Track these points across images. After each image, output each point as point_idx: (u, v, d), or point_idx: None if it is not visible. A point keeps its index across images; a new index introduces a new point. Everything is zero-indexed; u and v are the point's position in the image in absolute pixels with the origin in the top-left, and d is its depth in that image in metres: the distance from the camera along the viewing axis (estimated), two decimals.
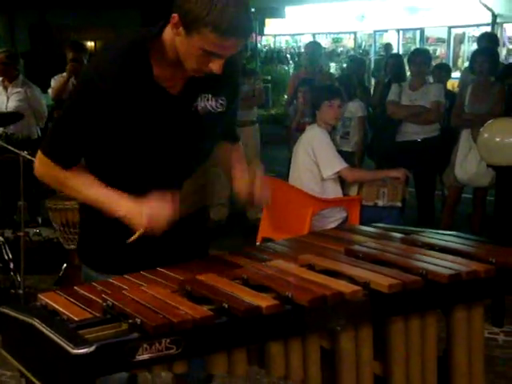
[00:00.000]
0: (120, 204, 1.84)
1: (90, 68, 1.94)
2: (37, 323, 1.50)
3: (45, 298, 1.67)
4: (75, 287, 1.75)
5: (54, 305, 1.63)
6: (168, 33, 1.81)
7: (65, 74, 5.81)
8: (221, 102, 1.95)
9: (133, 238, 1.83)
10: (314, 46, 6.91)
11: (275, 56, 19.53)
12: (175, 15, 1.74)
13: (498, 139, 4.27)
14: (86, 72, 1.94)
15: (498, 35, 13.31)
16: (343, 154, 5.33)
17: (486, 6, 16.03)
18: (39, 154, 1.93)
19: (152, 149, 1.88)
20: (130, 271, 1.85)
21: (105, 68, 1.82)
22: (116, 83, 1.80)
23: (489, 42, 6.08)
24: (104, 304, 1.57)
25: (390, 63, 7.06)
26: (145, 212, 1.81)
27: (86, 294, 1.71)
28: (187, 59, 1.79)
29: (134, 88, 1.82)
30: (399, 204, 4.31)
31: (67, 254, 4.39)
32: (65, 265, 4.45)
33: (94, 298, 1.67)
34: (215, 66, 1.78)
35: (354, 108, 5.73)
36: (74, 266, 4.27)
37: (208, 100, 1.93)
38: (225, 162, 2.12)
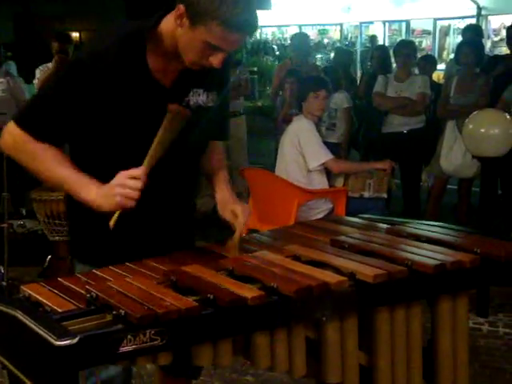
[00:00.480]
0: (89, 188, 1.78)
1: (84, 50, 1.90)
2: (19, 315, 1.48)
3: (28, 290, 1.65)
4: (59, 278, 1.73)
5: (38, 296, 1.62)
6: (167, 23, 1.80)
7: (50, 64, 5.75)
8: (211, 97, 1.95)
9: (112, 221, 1.78)
10: (301, 37, 6.88)
11: (261, 47, 19.48)
12: (180, 6, 1.72)
13: (482, 130, 4.29)
14: (79, 53, 1.90)
15: (483, 27, 13.39)
16: (329, 145, 5.33)
17: None
18: (11, 125, 1.83)
19: (138, 139, 1.84)
20: (117, 263, 1.83)
21: (100, 53, 1.79)
22: (109, 69, 1.78)
23: (473, 34, 6.09)
24: (88, 295, 1.56)
25: (376, 55, 7.06)
26: (113, 191, 1.75)
27: (69, 285, 1.69)
28: (188, 51, 1.78)
29: (126, 76, 1.80)
30: (385, 195, 4.32)
31: (52, 246, 4.35)
32: (49, 257, 4.42)
33: (77, 289, 1.65)
34: (216, 60, 1.77)
35: (340, 99, 5.72)
36: (58, 257, 4.25)
37: (199, 95, 1.92)
38: (206, 163, 2.11)
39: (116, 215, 1.78)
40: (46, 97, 1.86)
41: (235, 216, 2.00)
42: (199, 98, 1.92)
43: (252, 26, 1.74)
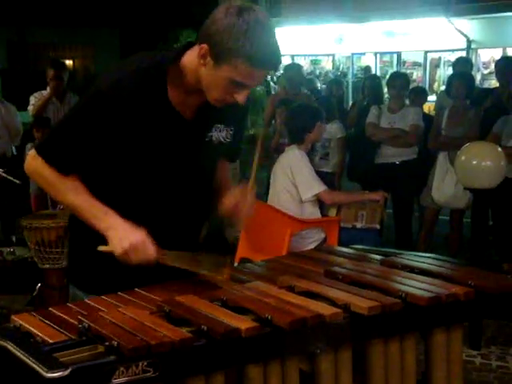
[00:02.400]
0: (105, 217, 1.82)
1: (103, 81, 1.88)
2: (9, 346, 1.46)
3: (18, 320, 1.63)
4: (50, 308, 1.72)
5: (28, 326, 1.59)
6: (189, 60, 1.81)
7: (44, 92, 5.77)
8: (230, 132, 1.97)
9: (103, 248, 1.81)
10: (294, 67, 6.95)
11: None
12: (204, 45, 1.73)
13: (474, 162, 4.32)
14: (99, 84, 1.87)
15: (473, 60, 13.56)
16: (323, 175, 5.36)
17: (460, 31, 16.34)
18: (33, 152, 1.90)
19: (156, 170, 1.87)
20: (116, 291, 1.82)
21: (121, 83, 1.80)
22: (130, 100, 1.78)
23: (464, 67, 6.18)
24: (80, 326, 1.54)
25: (367, 85, 7.13)
26: (128, 240, 1.78)
27: (61, 315, 1.67)
28: (212, 89, 1.78)
29: (147, 108, 1.81)
30: (378, 226, 4.33)
31: (42, 274, 4.32)
32: (39, 285, 4.38)
33: (69, 319, 1.64)
34: (240, 97, 1.79)
35: (334, 129, 5.77)
36: (48, 286, 4.22)
37: (221, 131, 1.94)
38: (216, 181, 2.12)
39: (109, 250, 1.81)
40: (66, 127, 1.88)
41: (236, 207, 1.99)
42: (220, 133, 1.94)
43: (276, 60, 1.76)
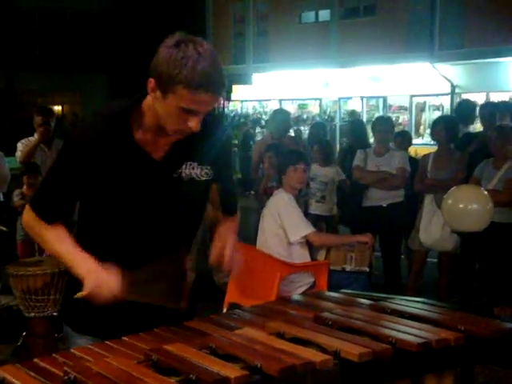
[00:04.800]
0: (81, 264, 1.88)
1: (75, 130, 2.03)
2: None
3: (3, 373, 1.60)
4: (35, 359, 1.68)
5: (13, 379, 1.56)
6: (148, 99, 1.87)
7: (32, 138, 5.77)
8: (206, 170, 1.99)
9: (78, 294, 1.85)
10: (281, 113, 7.01)
11: (242, 121, 19.82)
12: (151, 79, 1.80)
13: (461, 206, 4.35)
14: (71, 134, 1.99)
15: None
16: (319, 218, 5.37)
17: (445, 77, 16.66)
18: (27, 206, 2.02)
19: (132, 211, 1.93)
20: (111, 334, 1.84)
21: (88, 131, 1.91)
22: (98, 146, 1.86)
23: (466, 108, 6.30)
24: (65, 377, 1.51)
25: (351, 129, 7.21)
26: (93, 280, 1.84)
27: (46, 366, 1.64)
28: (167, 121, 1.84)
29: (114, 150, 1.88)
30: (367, 269, 4.32)
31: (27, 323, 4.24)
32: (24, 333, 4.30)
33: (55, 370, 1.60)
34: (193, 123, 1.82)
35: (332, 173, 5.84)
36: (33, 334, 4.13)
37: (193, 168, 1.97)
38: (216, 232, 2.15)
39: (82, 294, 1.85)
40: (48, 180, 2.01)
41: (221, 257, 2.02)
42: (192, 170, 1.97)
43: (216, 83, 1.79)
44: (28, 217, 2.00)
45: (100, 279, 1.83)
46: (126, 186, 1.90)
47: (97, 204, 1.96)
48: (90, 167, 1.87)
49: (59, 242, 1.95)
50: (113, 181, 1.89)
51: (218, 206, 2.17)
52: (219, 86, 1.80)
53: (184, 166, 1.95)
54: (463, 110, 6.20)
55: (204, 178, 1.99)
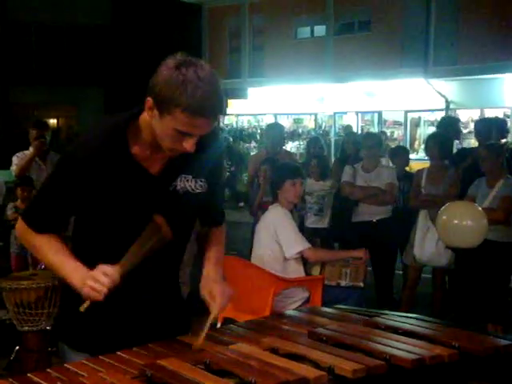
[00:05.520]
0: (74, 274, 1.89)
1: (72, 144, 2.01)
2: None
3: None
4: (29, 374, 1.68)
5: None
6: (145, 115, 1.87)
7: (27, 151, 5.78)
8: (200, 183, 2.00)
9: (82, 307, 1.84)
10: (275, 127, 7.04)
11: (237, 135, 19.86)
12: (149, 98, 1.80)
13: (456, 221, 4.36)
14: (69, 148, 1.99)
15: None
16: (317, 232, 5.36)
17: (439, 93, 16.76)
18: (20, 217, 2.04)
19: (127, 225, 1.92)
20: (107, 350, 1.83)
21: (86, 146, 1.91)
22: (94, 160, 1.86)
23: (446, 126, 6.28)
24: None
25: (346, 141, 7.24)
26: (85, 281, 1.84)
27: (40, 381, 1.64)
28: (163, 139, 1.84)
29: (110, 164, 1.88)
30: (361, 284, 4.32)
31: (20, 337, 4.22)
32: (17, 348, 4.27)
33: None
34: (188, 145, 1.83)
35: (328, 186, 5.87)
36: (27, 349, 4.10)
37: (188, 181, 1.98)
38: (205, 248, 2.17)
39: (87, 302, 1.84)
40: (43, 192, 2.01)
41: (212, 297, 2.00)
42: (187, 183, 1.98)
43: (214, 109, 1.79)
44: (20, 227, 2.02)
45: (93, 278, 1.82)
46: (122, 201, 1.90)
47: (92, 218, 1.95)
48: (85, 182, 1.87)
49: (53, 253, 1.95)
50: (109, 195, 1.89)
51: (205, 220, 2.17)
52: (217, 111, 1.81)
53: (179, 179, 1.96)
54: (446, 126, 6.20)
55: (198, 191, 2.00)
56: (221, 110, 1.82)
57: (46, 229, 1.96)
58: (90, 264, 1.89)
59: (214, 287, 2.02)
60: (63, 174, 1.92)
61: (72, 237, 2.05)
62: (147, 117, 1.85)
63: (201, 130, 1.81)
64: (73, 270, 1.89)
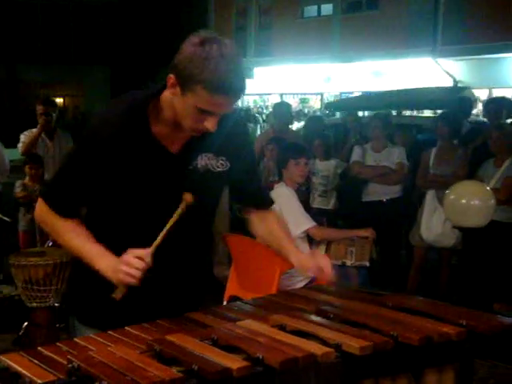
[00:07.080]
0: (101, 259, 1.87)
1: (92, 122, 1.98)
2: None
3: (7, 360, 1.61)
4: (39, 348, 1.69)
5: (17, 367, 1.57)
6: (166, 93, 1.85)
7: (34, 129, 5.78)
8: (221, 161, 1.99)
9: (117, 294, 1.83)
10: (282, 106, 7.02)
11: (243, 114, 19.80)
12: (171, 76, 1.79)
13: (464, 201, 4.35)
14: (89, 125, 1.97)
15: None
16: (322, 213, 5.35)
17: (447, 72, 16.63)
18: (39, 198, 2.00)
19: (147, 204, 1.91)
20: (118, 326, 1.83)
21: (107, 123, 1.88)
22: (114, 138, 1.85)
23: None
24: (69, 365, 1.52)
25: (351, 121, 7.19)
26: (119, 267, 1.81)
27: (50, 354, 1.65)
28: (184, 118, 1.83)
29: (132, 143, 1.86)
30: (367, 263, 4.33)
31: (29, 312, 4.26)
32: (25, 323, 4.32)
33: (58, 359, 1.61)
34: (209, 124, 1.82)
35: (333, 166, 5.86)
36: (35, 324, 4.15)
37: (209, 159, 1.97)
38: (270, 234, 2.19)
39: (122, 289, 1.83)
40: (63, 171, 1.98)
41: (321, 270, 2.08)
42: (208, 161, 1.96)
43: (236, 87, 1.77)
44: (41, 210, 1.98)
45: (126, 263, 1.80)
46: (141, 180, 1.89)
47: (111, 197, 1.93)
48: (106, 160, 1.85)
49: (75, 236, 1.92)
50: (129, 174, 1.88)
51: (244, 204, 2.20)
52: (239, 89, 1.79)
53: (200, 157, 1.95)
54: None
55: (220, 169, 1.98)
56: (242, 88, 1.79)
57: (68, 210, 1.94)
58: (108, 243, 1.88)
59: (321, 260, 2.09)
60: (86, 152, 1.88)
61: (86, 215, 2.02)
62: (169, 95, 1.83)
63: (222, 108, 1.79)
64: (99, 256, 1.87)
